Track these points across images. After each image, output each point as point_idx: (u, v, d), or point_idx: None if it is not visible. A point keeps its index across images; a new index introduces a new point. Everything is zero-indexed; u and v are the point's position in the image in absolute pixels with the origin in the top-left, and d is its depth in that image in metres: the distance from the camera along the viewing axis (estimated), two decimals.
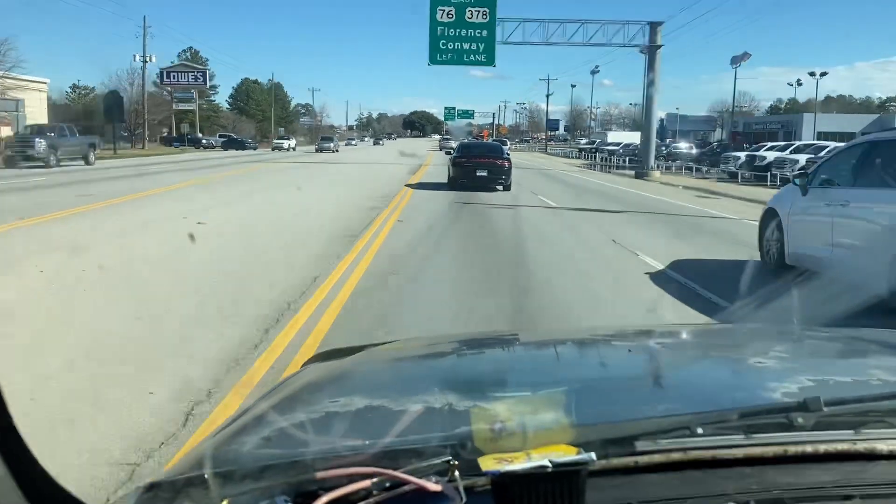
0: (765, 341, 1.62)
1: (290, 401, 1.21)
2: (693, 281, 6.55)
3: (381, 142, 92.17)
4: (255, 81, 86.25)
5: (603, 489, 0.78)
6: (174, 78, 64.33)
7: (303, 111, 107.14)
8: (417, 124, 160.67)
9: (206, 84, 65.53)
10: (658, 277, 6.86)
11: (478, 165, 17.52)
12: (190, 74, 65.20)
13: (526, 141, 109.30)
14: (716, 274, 7.02)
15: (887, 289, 5.11)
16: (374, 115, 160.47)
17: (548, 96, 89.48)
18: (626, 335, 1.78)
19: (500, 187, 17.64)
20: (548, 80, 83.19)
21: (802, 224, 6.55)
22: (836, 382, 1.27)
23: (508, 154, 19.03)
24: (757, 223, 7.77)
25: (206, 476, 0.79)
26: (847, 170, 6.24)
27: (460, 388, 1.21)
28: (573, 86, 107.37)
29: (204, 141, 59.00)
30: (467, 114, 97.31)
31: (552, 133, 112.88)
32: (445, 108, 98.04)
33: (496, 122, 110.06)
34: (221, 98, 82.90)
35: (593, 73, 67.67)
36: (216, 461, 0.90)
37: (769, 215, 7.23)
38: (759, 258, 7.39)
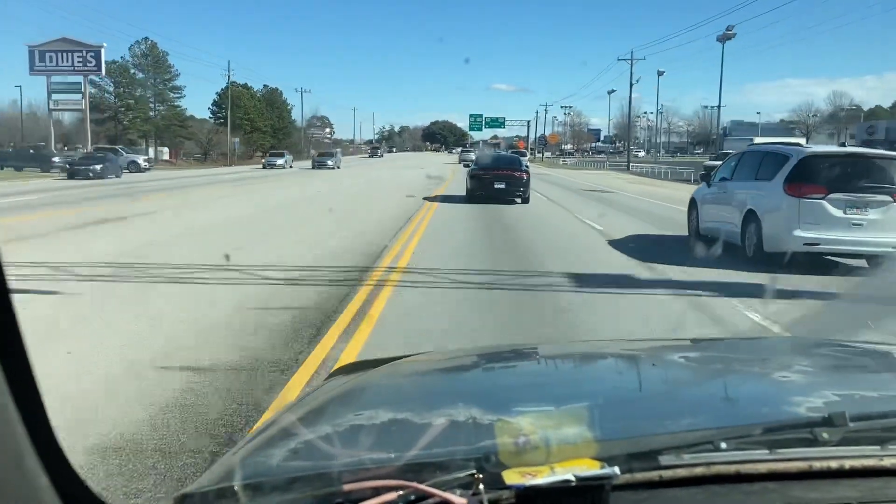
0: (788, 356, 1.96)
1: (315, 413, 1.50)
2: None
3: (329, 163, 56.57)
4: (245, 86, 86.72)
5: (627, 503, 0.94)
6: (50, 60, 52.03)
7: (318, 123, 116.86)
8: (438, 136, 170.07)
9: (100, 69, 53.89)
10: None
11: (496, 178, 20.99)
12: (74, 55, 52.01)
13: (570, 154, 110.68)
14: None
15: (740, 242, 10.58)
16: (396, 129, 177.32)
17: (631, 84, 67.72)
18: (649, 349, 2.16)
19: (519, 199, 20.93)
20: (631, 59, 65.21)
21: (706, 207, 12.30)
22: (862, 397, 1.52)
23: (527, 166, 23.22)
24: None
25: (235, 488, 1.00)
26: (731, 170, 11.82)
27: (483, 401, 1.46)
28: (661, 72, 79.45)
29: (57, 159, 43.77)
30: (496, 122, 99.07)
31: (594, 143, 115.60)
32: (471, 115, 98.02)
33: (543, 131, 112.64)
34: (202, 105, 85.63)
35: (722, 39, 48.12)
36: (245, 473, 1.14)
37: (692, 203, 13.00)
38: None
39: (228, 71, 76.45)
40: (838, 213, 9.53)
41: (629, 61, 64.68)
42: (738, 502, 0.97)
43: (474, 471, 0.94)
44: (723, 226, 11.39)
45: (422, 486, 0.91)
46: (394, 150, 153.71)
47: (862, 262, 10.18)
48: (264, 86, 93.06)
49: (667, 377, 1.79)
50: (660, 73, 77.15)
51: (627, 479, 0.96)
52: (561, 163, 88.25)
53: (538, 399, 1.50)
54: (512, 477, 0.92)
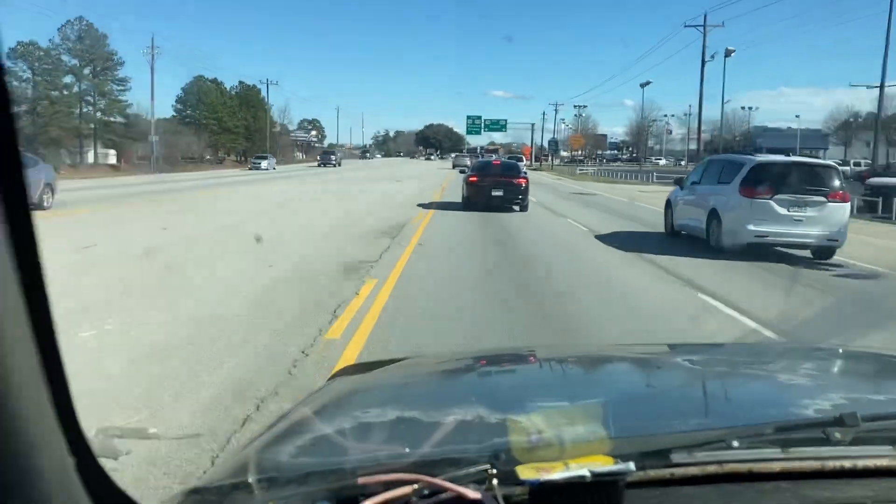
0: (797, 360, 2.20)
1: (325, 411, 1.68)
2: None
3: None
4: (215, 81, 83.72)
5: (640, 500, 1.04)
6: None
7: (308, 126, 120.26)
8: (432, 140, 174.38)
9: None
10: None
11: (493, 185, 22.14)
12: None
13: (580, 160, 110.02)
14: None
15: (705, 235, 13.86)
16: (391, 134, 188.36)
17: (704, 61, 54.58)
18: (656, 353, 2.42)
19: (517, 207, 22.04)
20: (704, 24, 53.23)
21: (679, 206, 15.86)
22: (871, 400, 1.71)
23: (526, 172, 24.64)
24: None
25: (250, 481, 1.12)
26: (700, 175, 15.28)
27: (494, 400, 1.64)
28: (729, 51, 59.29)
29: None
30: (497, 125, 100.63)
31: (607, 152, 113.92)
32: (468, 117, 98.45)
33: (552, 135, 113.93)
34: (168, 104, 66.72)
35: None
36: (259, 467, 1.27)
37: (667, 204, 16.63)
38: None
39: (153, 48, 62.02)
40: (783, 210, 12.79)
41: (701, 28, 53.64)
42: (750, 501, 1.08)
43: (488, 466, 1.04)
44: (691, 222, 14.88)
45: (437, 481, 1.02)
46: (367, 155, 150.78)
47: (806, 253, 13.47)
48: (239, 82, 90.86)
49: (677, 378, 1.99)
50: (728, 53, 59.38)
51: (641, 477, 1.07)
52: (578, 172, 79.13)
53: (550, 397, 1.69)
54: (526, 472, 1.00)
